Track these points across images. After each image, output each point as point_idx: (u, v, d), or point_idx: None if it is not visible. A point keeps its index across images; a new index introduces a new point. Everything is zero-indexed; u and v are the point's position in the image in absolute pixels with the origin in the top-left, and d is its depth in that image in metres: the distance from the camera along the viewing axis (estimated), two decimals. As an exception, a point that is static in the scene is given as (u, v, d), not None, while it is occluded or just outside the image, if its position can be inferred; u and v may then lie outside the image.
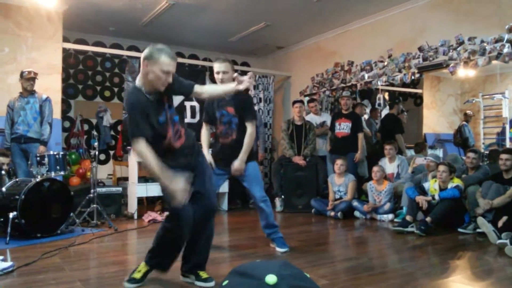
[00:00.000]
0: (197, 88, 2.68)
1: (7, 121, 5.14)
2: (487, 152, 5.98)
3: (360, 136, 6.19)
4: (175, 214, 2.64)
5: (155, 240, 2.83)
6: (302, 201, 6.12)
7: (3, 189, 4.29)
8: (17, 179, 4.62)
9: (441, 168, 4.70)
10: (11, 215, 4.02)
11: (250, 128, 3.59)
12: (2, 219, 4.16)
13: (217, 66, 3.54)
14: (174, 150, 2.70)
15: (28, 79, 5.08)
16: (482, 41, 5.18)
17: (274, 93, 8.49)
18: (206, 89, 2.75)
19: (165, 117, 2.61)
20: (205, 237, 2.84)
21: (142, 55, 2.50)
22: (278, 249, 3.72)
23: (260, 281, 0.81)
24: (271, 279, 0.81)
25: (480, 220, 4.16)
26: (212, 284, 2.77)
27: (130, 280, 2.76)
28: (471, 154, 5.01)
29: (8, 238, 3.95)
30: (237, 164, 3.56)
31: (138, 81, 2.56)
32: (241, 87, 2.54)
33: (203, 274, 2.84)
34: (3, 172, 4.48)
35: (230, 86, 2.67)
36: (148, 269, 2.82)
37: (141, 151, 2.47)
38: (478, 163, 5.03)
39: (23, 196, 4.11)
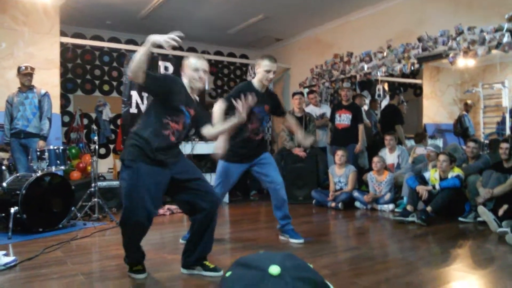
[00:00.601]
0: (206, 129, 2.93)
1: (6, 116, 5.13)
2: (487, 141, 5.99)
3: (361, 127, 6.19)
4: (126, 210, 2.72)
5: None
6: (303, 192, 6.13)
7: (4, 184, 4.30)
8: (17, 174, 4.62)
9: (442, 157, 4.71)
10: (12, 210, 4.03)
11: (288, 115, 4.04)
12: (3, 214, 4.17)
13: (270, 65, 3.53)
14: (171, 144, 2.75)
15: (25, 74, 5.06)
16: (481, 31, 5.16)
17: (273, 85, 8.47)
18: (211, 132, 2.95)
19: (184, 112, 2.77)
20: (210, 230, 2.88)
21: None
22: (294, 241, 3.71)
23: (264, 272, 0.81)
24: (274, 270, 0.81)
25: (481, 208, 4.17)
26: (221, 272, 2.83)
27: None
28: (471, 144, 5.02)
29: (10, 233, 3.97)
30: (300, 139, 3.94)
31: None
32: (240, 120, 2.82)
33: (210, 264, 2.90)
34: (3, 167, 4.48)
35: (227, 125, 2.91)
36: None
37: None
38: (478, 152, 5.04)
39: (24, 191, 4.11)
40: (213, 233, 2.92)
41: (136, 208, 2.63)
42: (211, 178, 6.03)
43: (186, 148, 5.90)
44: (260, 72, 3.55)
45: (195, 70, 2.85)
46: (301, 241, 3.70)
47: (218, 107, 3.44)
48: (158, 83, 2.71)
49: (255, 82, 3.64)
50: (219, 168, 3.69)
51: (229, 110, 3.37)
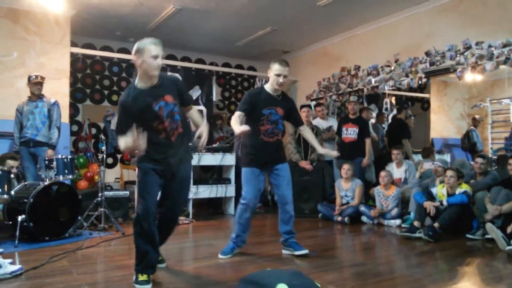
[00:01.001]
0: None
1: (16, 125, 5.19)
2: (495, 157, 5.95)
3: (368, 141, 6.17)
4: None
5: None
6: (309, 205, 6.10)
7: (12, 192, 4.32)
8: (25, 183, 4.65)
9: (449, 173, 4.67)
10: (19, 218, 4.05)
11: (306, 128, 4.01)
12: (11, 222, 4.20)
13: (280, 69, 3.56)
14: (167, 144, 2.95)
15: (35, 83, 5.13)
16: (489, 46, 5.17)
17: (280, 97, 8.48)
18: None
19: (161, 108, 2.89)
20: (163, 236, 3.22)
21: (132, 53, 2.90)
22: (298, 252, 3.72)
23: (271, 290, 0.82)
24: (282, 288, 0.81)
25: (489, 226, 4.13)
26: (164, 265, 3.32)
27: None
28: (479, 159, 4.98)
29: (16, 241, 3.98)
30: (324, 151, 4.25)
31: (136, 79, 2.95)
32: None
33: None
34: (12, 175, 4.51)
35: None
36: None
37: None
38: (486, 168, 5.00)
39: (31, 200, 4.14)
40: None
41: None
42: (217, 190, 6.06)
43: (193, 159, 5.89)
44: (271, 76, 3.61)
45: (154, 57, 2.80)
46: (305, 251, 3.69)
47: (235, 118, 3.52)
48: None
49: (268, 86, 3.69)
50: (242, 176, 3.72)
51: (249, 115, 3.59)
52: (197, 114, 3.28)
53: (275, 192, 3.83)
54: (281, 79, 3.57)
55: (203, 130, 3.00)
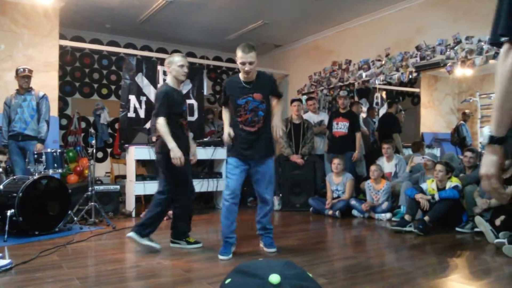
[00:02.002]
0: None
1: (4, 118, 5.12)
2: (485, 151, 5.99)
3: (358, 135, 6.20)
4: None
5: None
6: (300, 199, 6.12)
7: (1, 186, 4.28)
8: (14, 177, 4.60)
9: (438, 167, 4.71)
10: (8, 212, 4.01)
11: (280, 102, 3.73)
12: (0, 217, 4.15)
13: (243, 57, 3.33)
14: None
15: (23, 76, 5.06)
16: (479, 40, 5.20)
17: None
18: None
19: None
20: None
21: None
22: (267, 250, 3.67)
23: (264, 280, 0.81)
24: (274, 278, 0.80)
25: (478, 219, 4.17)
26: (200, 244, 3.85)
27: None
28: (468, 153, 5.03)
29: (6, 236, 3.94)
30: (277, 122, 3.54)
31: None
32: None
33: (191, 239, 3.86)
34: (0, 169, 4.46)
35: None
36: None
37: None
38: (475, 162, 5.04)
39: (20, 194, 4.09)
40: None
41: None
42: (208, 184, 6.04)
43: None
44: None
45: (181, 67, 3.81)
46: (273, 250, 3.64)
47: (223, 115, 3.76)
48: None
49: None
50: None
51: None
52: None
53: (254, 188, 3.73)
54: (246, 67, 3.35)
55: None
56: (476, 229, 4.34)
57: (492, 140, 1.21)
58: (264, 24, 7.24)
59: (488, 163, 1.22)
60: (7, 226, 3.98)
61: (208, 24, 7.25)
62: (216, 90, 9.27)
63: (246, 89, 3.49)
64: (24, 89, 5.11)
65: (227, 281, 0.86)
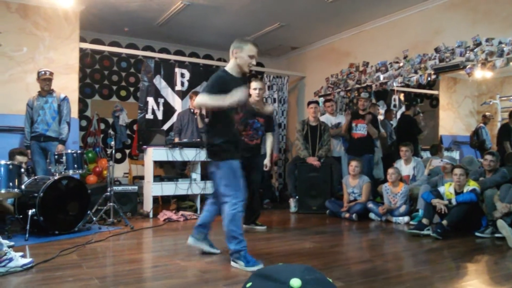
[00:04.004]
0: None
1: (26, 119, 5.23)
2: (506, 155, 5.89)
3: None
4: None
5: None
6: (317, 202, 6.10)
7: (22, 186, 4.36)
8: (35, 177, 4.70)
9: (458, 171, 4.64)
10: (30, 212, 4.09)
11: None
12: (21, 216, 4.25)
13: (255, 50, 3.38)
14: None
15: (44, 79, 5.17)
16: (500, 42, 5.12)
17: (288, 93, 8.49)
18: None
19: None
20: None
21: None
22: (208, 249, 3.63)
23: (285, 284, 0.82)
24: (296, 283, 0.81)
25: (500, 222, 4.10)
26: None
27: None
28: (488, 157, 4.95)
29: (27, 235, 4.03)
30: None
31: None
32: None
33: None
34: (22, 170, 4.56)
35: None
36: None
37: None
38: (496, 165, 4.96)
39: (41, 194, 4.18)
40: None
41: None
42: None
43: (201, 155, 5.89)
44: (242, 57, 3.30)
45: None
46: (216, 251, 3.63)
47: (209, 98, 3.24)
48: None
49: (232, 68, 3.35)
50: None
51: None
52: None
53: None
54: (254, 61, 3.37)
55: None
56: (496, 235, 4.26)
57: None
58: (280, 27, 7.25)
59: None
60: (28, 225, 4.06)
61: (225, 27, 7.29)
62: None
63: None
64: (46, 91, 5.21)
65: (248, 284, 0.87)
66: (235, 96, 3.03)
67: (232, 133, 3.32)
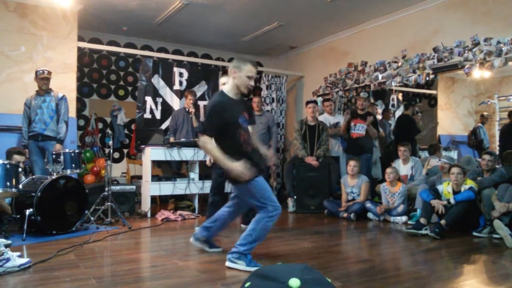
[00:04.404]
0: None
1: (24, 119, 5.22)
2: (504, 155, 5.90)
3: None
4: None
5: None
6: (315, 202, 6.10)
7: (20, 186, 4.35)
8: (33, 177, 4.69)
9: (456, 170, 4.65)
10: (27, 212, 4.08)
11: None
12: (18, 216, 4.23)
13: (254, 71, 3.25)
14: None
15: (42, 78, 5.15)
16: (498, 42, 5.12)
17: (286, 93, 8.48)
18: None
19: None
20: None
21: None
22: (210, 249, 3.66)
23: (284, 284, 0.82)
24: (294, 283, 0.81)
25: (497, 223, 4.10)
26: None
27: None
28: (486, 156, 4.95)
29: (24, 235, 4.01)
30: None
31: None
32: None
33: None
34: (19, 169, 4.55)
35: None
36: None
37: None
38: (493, 165, 4.96)
39: (39, 194, 4.17)
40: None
41: None
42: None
43: (198, 155, 5.89)
44: (240, 77, 3.16)
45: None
46: (217, 250, 3.65)
47: (211, 145, 3.14)
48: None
49: (230, 90, 3.22)
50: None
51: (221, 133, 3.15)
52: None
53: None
54: (252, 82, 3.22)
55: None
56: (494, 235, 4.27)
57: None
58: (279, 26, 7.24)
59: None
60: (25, 225, 4.05)
61: (224, 26, 7.28)
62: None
63: (239, 107, 3.37)
64: (44, 90, 5.20)
65: (247, 284, 0.87)
66: (235, 169, 3.03)
67: (245, 151, 3.16)
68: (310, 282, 0.83)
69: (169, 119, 6.82)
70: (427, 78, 6.02)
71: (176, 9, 6.43)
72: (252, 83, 3.19)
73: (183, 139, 6.00)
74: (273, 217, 3.16)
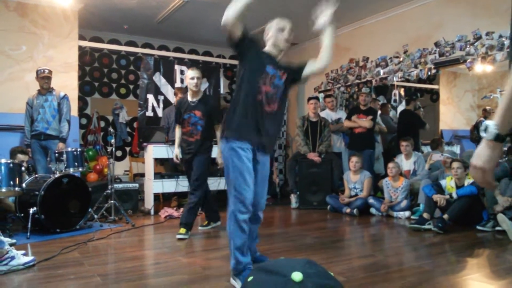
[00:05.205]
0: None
1: (26, 118, 5.23)
2: (506, 148, 5.89)
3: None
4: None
5: None
6: (317, 197, 6.10)
7: (23, 185, 4.37)
8: (36, 175, 4.70)
9: (456, 165, 4.65)
10: (31, 210, 4.10)
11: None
12: (22, 215, 4.25)
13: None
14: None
15: (43, 77, 5.16)
16: (500, 36, 5.10)
17: (288, 89, 8.46)
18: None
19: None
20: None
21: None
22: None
23: (286, 278, 0.82)
24: (297, 276, 0.81)
25: (501, 216, 4.10)
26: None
27: None
28: (489, 151, 4.93)
29: (28, 233, 4.03)
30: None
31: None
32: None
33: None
34: (22, 168, 4.56)
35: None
36: None
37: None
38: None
39: (42, 192, 4.18)
40: None
41: None
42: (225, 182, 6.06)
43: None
44: (273, 35, 3.07)
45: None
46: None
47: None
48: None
49: (270, 48, 3.06)
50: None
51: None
52: None
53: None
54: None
55: None
56: (497, 228, 4.27)
57: (498, 138, 1.21)
58: (280, 22, 7.21)
59: (487, 158, 1.22)
60: (29, 223, 4.07)
61: (225, 23, 7.27)
62: (232, 88, 9.28)
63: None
64: (45, 89, 5.21)
65: (250, 278, 0.88)
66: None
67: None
68: (312, 275, 0.83)
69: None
70: (429, 73, 6.00)
71: (177, 6, 6.42)
72: (286, 34, 3.03)
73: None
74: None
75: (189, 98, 4.29)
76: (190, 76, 4.21)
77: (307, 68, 3.03)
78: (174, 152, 4.47)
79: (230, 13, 2.68)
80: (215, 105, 4.59)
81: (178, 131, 4.46)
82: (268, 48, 3.02)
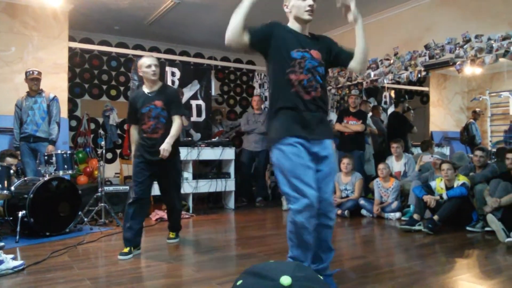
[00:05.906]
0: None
1: (15, 120, 5.17)
2: (495, 150, 5.97)
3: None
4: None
5: None
6: (309, 199, 6.09)
7: (12, 188, 4.32)
8: (25, 178, 4.65)
9: (445, 166, 4.69)
10: (20, 214, 4.06)
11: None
12: (11, 218, 4.21)
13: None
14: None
15: (32, 79, 5.11)
16: (489, 39, 5.16)
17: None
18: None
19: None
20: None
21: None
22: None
23: (275, 282, 0.82)
24: (286, 280, 0.81)
25: (490, 217, 4.14)
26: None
27: None
28: (478, 152, 4.99)
29: (17, 237, 3.99)
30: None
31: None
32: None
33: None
34: (11, 171, 4.52)
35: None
36: None
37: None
38: (485, 161, 5.01)
39: (31, 195, 4.14)
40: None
41: None
42: (217, 184, 6.06)
43: (192, 154, 5.91)
44: (293, 5, 2.64)
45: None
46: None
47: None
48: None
49: (292, 24, 2.70)
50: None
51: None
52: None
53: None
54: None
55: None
56: (486, 228, 4.31)
57: None
58: (271, 24, 7.22)
59: None
60: (18, 227, 4.02)
61: (216, 25, 7.25)
62: (223, 90, 9.28)
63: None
64: (35, 91, 5.16)
65: (239, 282, 0.87)
66: None
67: None
68: (301, 279, 0.83)
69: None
70: (419, 75, 6.05)
71: (168, 8, 6.40)
72: (310, 1, 2.59)
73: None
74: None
75: (146, 90, 3.75)
76: (146, 64, 3.63)
77: (352, 64, 2.78)
78: (132, 159, 3.87)
79: (229, 35, 2.50)
80: (175, 93, 4.00)
81: (133, 133, 3.86)
82: (290, 24, 2.62)
